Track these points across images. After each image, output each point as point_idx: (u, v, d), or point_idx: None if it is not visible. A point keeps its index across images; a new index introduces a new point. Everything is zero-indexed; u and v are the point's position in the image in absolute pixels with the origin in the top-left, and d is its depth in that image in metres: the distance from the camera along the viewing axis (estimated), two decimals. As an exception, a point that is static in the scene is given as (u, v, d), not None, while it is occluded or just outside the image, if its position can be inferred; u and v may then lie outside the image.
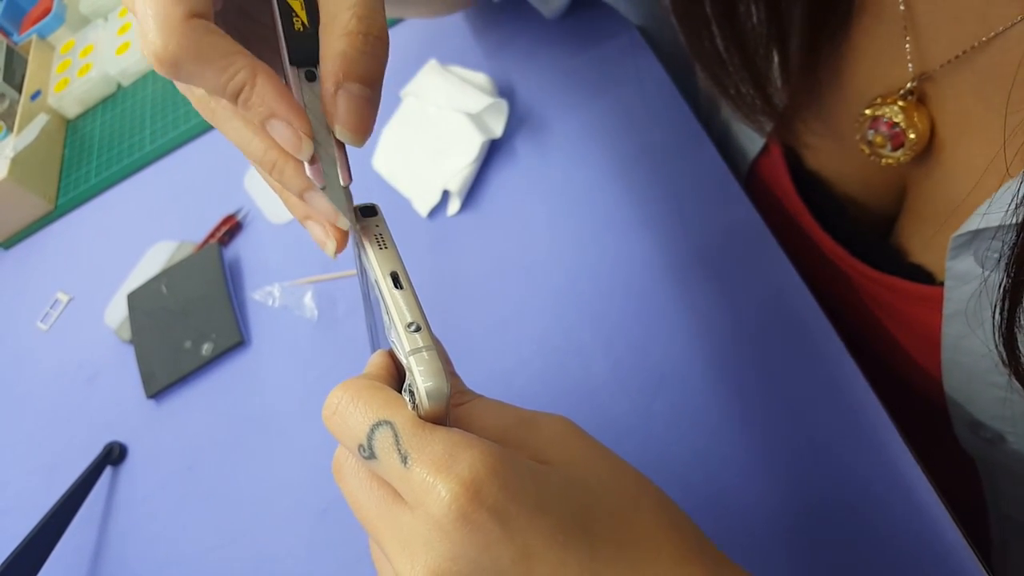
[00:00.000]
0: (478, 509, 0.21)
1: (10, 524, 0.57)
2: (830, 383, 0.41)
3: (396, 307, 0.24)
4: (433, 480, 0.21)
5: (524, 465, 0.23)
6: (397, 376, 0.27)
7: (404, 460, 0.22)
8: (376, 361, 0.27)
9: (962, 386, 0.40)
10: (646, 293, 0.48)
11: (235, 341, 0.57)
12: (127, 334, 0.62)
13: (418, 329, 0.24)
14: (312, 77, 0.25)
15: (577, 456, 0.25)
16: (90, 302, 0.68)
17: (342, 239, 0.26)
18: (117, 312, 0.64)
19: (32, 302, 0.71)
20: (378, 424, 0.23)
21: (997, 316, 0.29)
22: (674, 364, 0.44)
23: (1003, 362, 0.30)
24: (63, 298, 0.70)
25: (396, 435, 0.22)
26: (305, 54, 0.24)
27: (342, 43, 0.24)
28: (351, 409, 0.24)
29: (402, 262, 0.26)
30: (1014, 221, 0.27)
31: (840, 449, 0.39)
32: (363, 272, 0.28)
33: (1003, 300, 0.29)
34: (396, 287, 0.25)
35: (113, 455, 0.56)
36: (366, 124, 0.24)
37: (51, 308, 0.70)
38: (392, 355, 0.27)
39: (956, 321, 0.37)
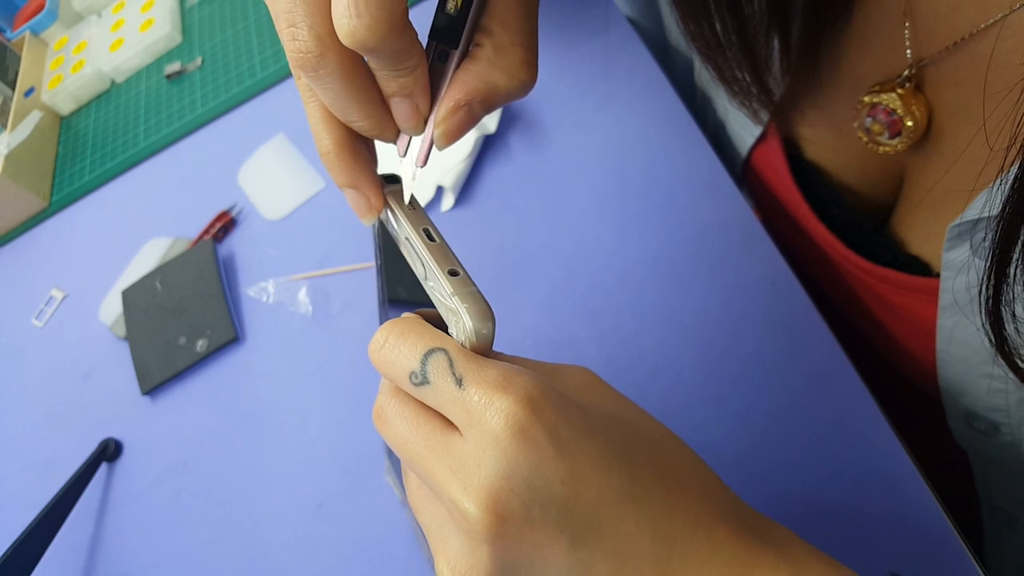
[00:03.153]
0: (535, 424, 0.22)
1: (6, 520, 0.57)
2: (821, 377, 0.41)
3: (434, 257, 0.25)
4: (491, 398, 0.22)
5: (568, 397, 0.24)
6: None
7: (459, 383, 0.23)
8: (409, 316, 0.27)
9: (957, 377, 0.40)
10: (639, 287, 0.48)
11: (230, 337, 0.57)
12: (122, 331, 0.62)
13: (458, 274, 0.25)
14: (444, 58, 0.25)
15: (605, 400, 0.26)
16: (85, 299, 0.68)
17: (380, 205, 0.28)
18: (112, 309, 0.64)
19: (27, 299, 0.71)
20: (432, 351, 0.23)
21: (984, 294, 0.29)
22: (667, 357, 0.44)
23: (990, 341, 0.31)
24: (58, 295, 0.70)
25: (451, 360, 0.23)
26: (448, 35, 0.25)
27: (503, 80, 0.25)
28: (402, 340, 0.24)
29: (431, 220, 0.27)
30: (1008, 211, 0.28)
31: (831, 442, 0.39)
32: (381, 246, 0.29)
33: (988, 277, 0.29)
34: (430, 240, 0.26)
35: (108, 451, 0.56)
36: (457, 139, 0.26)
37: (46, 305, 0.69)
38: (421, 315, 0.28)
39: (951, 312, 0.37)
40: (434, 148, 0.27)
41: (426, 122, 0.26)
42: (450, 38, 0.25)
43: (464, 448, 0.22)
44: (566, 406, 0.23)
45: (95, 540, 0.53)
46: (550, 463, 0.22)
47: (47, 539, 0.50)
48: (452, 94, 0.25)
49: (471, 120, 0.26)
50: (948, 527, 0.35)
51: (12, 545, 0.47)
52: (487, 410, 0.22)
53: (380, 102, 0.25)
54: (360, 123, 0.25)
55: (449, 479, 0.22)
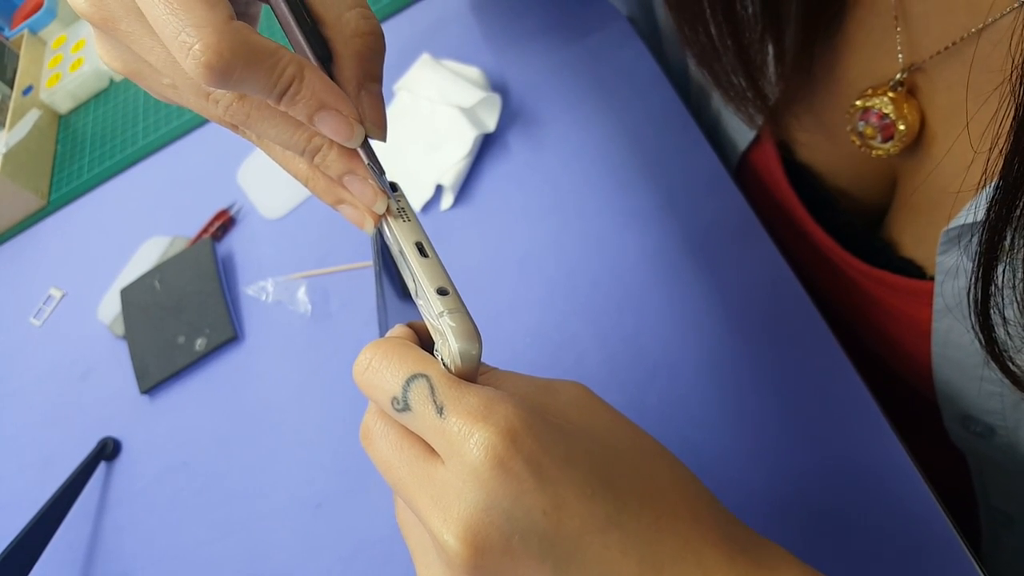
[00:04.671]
0: (515, 457, 0.21)
1: (4, 519, 0.57)
2: (821, 375, 0.41)
3: (424, 274, 0.25)
4: (470, 429, 0.22)
5: (552, 423, 0.23)
6: (420, 346, 0.27)
7: (440, 411, 0.22)
8: (399, 330, 0.27)
9: (952, 380, 0.40)
10: (639, 285, 0.48)
11: (228, 336, 0.57)
12: (120, 330, 0.62)
13: (447, 293, 0.24)
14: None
15: (596, 418, 0.26)
16: (83, 298, 0.68)
17: (377, 216, 0.27)
18: (110, 308, 0.64)
19: (25, 298, 0.71)
20: (414, 377, 0.23)
21: (971, 296, 0.29)
22: (666, 356, 0.45)
23: (980, 344, 0.31)
24: (56, 294, 0.70)
25: (432, 387, 0.23)
26: (323, 49, 0.25)
27: (356, 44, 0.25)
28: (385, 364, 0.24)
29: (425, 233, 0.27)
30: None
31: (831, 441, 0.39)
32: (380, 251, 0.29)
33: (976, 280, 0.29)
34: (422, 256, 0.26)
35: (107, 450, 0.56)
36: (385, 118, 0.26)
37: (44, 304, 0.69)
38: (413, 327, 0.28)
39: (946, 316, 0.37)
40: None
41: (360, 124, 0.25)
42: (327, 51, 0.25)
43: (445, 478, 0.22)
44: (549, 434, 0.22)
45: (93, 539, 0.53)
46: (530, 495, 0.21)
47: (45, 538, 0.50)
48: (347, 91, 0.25)
49: (377, 99, 0.26)
50: (948, 527, 0.35)
51: (10, 544, 0.47)
52: (466, 441, 0.22)
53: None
54: (301, 144, 0.25)
55: (430, 508, 0.22)
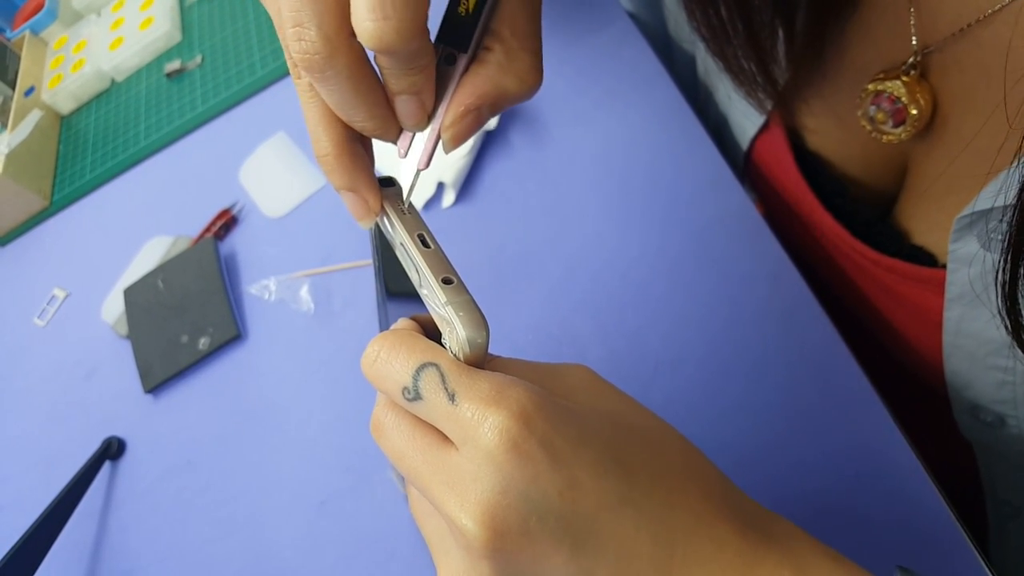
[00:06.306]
0: (529, 439, 0.22)
1: (10, 519, 0.57)
2: (824, 372, 0.41)
3: (427, 264, 0.25)
4: (483, 413, 0.22)
5: (562, 404, 0.23)
6: (425, 336, 0.27)
7: (452, 398, 0.23)
8: (403, 323, 0.28)
9: (963, 370, 0.40)
10: (641, 281, 0.48)
11: (232, 335, 0.57)
12: (124, 329, 0.62)
13: (452, 282, 0.25)
14: (451, 61, 0.25)
15: (604, 399, 0.26)
16: (87, 298, 0.68)
17: (379, 207, 0.28)
18: (114, 307, 0.64)
19: (29, 298, 0.71)
20: (423, 366, 0.23)
21: (999, 279, 0.29)
22: (669, 353, 0.44)
23: (1007, 329, 0.30)
24: (60, 294, 0.70)
25: (442, 375, 0.23)
26: (457, 38, 0.25)
27: (514, 84, 0.25)
28: (393, 355, 0.24)
29: (427, 225, 0.27)
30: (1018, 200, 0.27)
31: (834, 436, 0.39)
32: (379, 248, 0.29)
33: (1004, 262, 0.29)
34: (425, 247, 0.26)
35: (112, 450, 0.56)
36: (467, 140, 0.26)
37: (48, 304, 0.70)
38: (417, 320, 0.28)
39: (958, 304, 0.37)
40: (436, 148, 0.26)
41: (430, 119, 0.25)
42: (460, 41, 0.25)
43: (460, 463, 0.22)
44: (560, 415, 0.23)
45: (99, 538, 0.53)
46: (545, 475, 0.22)
47: (51, 537, 0.50)
48: (462, 98, 0.25)
49: (479, 123, 0.26)
50: (952, 522, 0.35)
51: (16, 544, 0.47)
52: (480, 425, 0.22)
53: (385, 102, 0.25)
54: (364, 123, 0.25)
55: (446, 495, 0.22)
